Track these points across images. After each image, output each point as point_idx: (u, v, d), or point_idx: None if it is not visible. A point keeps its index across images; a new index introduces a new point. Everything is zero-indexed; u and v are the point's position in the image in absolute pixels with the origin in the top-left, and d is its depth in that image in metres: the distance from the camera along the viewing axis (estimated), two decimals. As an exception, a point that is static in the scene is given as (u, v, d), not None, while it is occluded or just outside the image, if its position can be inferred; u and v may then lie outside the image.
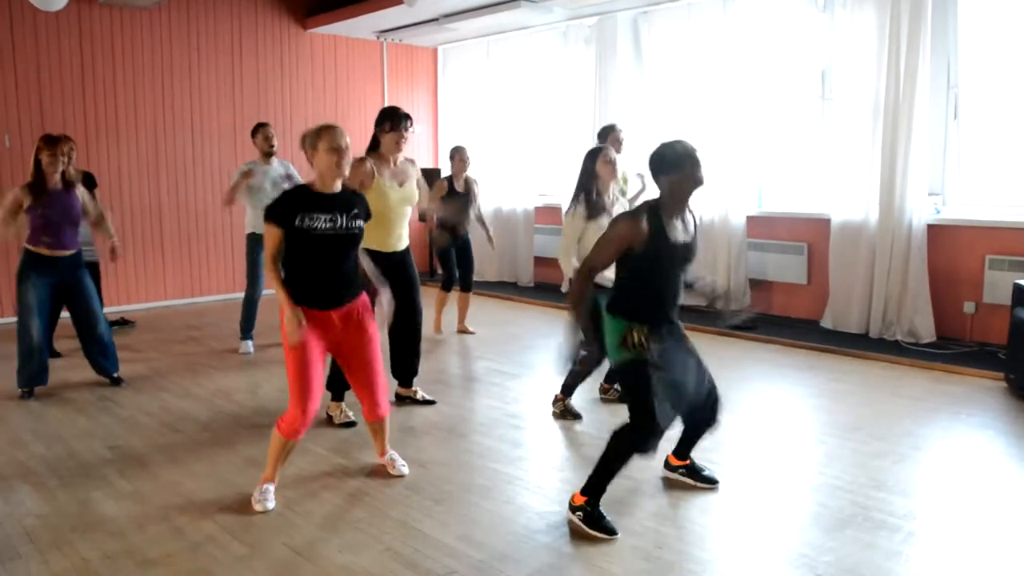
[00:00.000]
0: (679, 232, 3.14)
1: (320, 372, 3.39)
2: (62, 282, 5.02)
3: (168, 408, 4.88)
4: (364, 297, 3.56)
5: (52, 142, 4.87)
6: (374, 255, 4.16)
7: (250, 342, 6.33)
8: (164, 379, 5.54)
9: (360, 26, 9.11)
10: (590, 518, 3.17)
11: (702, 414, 3.42)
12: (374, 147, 4.49)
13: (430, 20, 8.83)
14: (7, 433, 4.44)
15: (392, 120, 4.40)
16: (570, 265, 4.24)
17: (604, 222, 3.99)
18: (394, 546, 3.07)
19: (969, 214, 6.18)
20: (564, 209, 4.54)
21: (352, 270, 3.49)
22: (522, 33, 9.21)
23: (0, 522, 3.30)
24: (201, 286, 8.69)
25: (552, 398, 4.75)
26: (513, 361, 5.94)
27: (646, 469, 3.79)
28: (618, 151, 5.79)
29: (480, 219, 6.88)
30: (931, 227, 6.22)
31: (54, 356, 5.83)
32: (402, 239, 4.58)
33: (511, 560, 2.99)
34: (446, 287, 6.89)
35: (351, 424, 4.46)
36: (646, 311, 3.13)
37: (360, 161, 4.35)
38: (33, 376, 5.04)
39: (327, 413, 4.55)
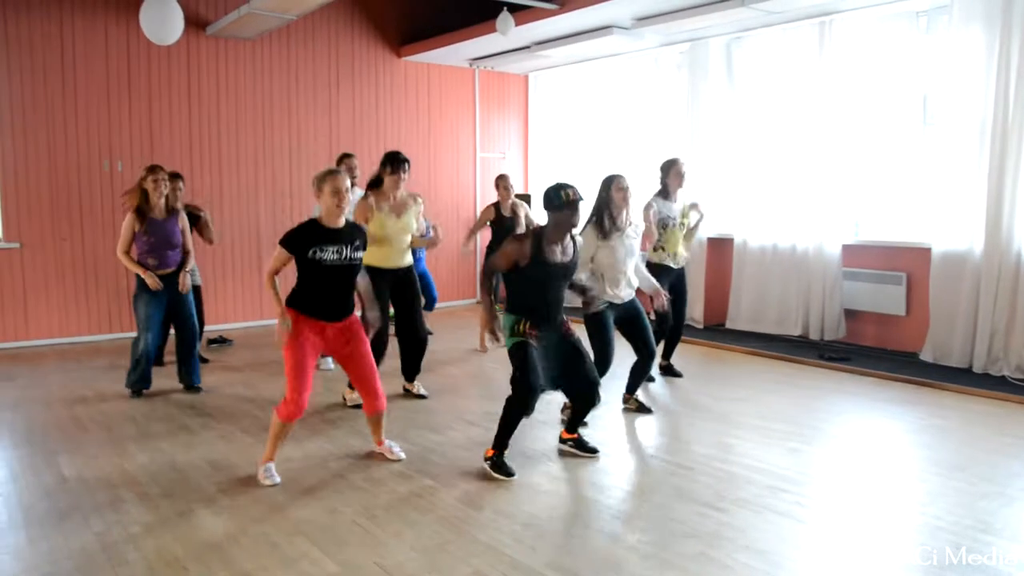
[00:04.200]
0: (557, 255, 4.04)
1: (312, 367, 4.00)
2: (171, 297, 5.55)
3: (263, 424, 5.02)
4: (355, 315, 4.17)
5: (154, 169, 5.45)
6: (380, 271, 5.05)
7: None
8: (260, 395, 5.73)
9: (453, 54, 9.31)
10: (495, 464, 4.08)
11: (581, 394, 4.22)
12: (378, 183, 5.21)
13: (522, 48, 8.96)
14: (114, 442, 4.67)
15: (392, 165, 5.15)
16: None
17: (614, 242, 4.77)
18: (483, 570, 3.09)
19: (1084, 244, 5.87)
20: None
21: (349, 292, 4.11)
22: (613, 59, 9.21)
23: (109, 528, 3.47)
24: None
25: (622, 398, 5.37)
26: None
27: (738, 502, 3.72)
28: (680, 185, 5.84)
29: None
30: (1042, 257, 5.93)
31: (158, 364, 6.20)
32: (404, 257, 5.32)
33: (599, 589, 2.97)
34: None
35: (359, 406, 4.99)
36: (530, 310, 4.06)
37: (363, 199, 5.19)
38: (137, 381, 5.68)
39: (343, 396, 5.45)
